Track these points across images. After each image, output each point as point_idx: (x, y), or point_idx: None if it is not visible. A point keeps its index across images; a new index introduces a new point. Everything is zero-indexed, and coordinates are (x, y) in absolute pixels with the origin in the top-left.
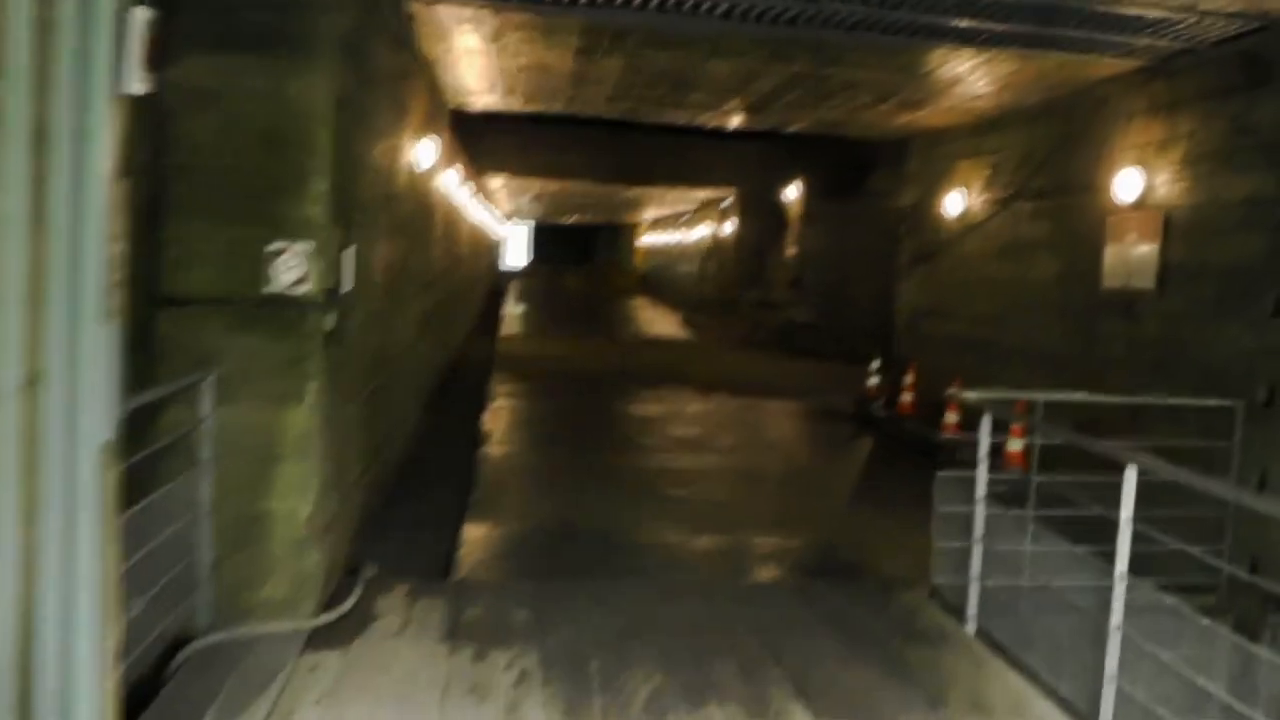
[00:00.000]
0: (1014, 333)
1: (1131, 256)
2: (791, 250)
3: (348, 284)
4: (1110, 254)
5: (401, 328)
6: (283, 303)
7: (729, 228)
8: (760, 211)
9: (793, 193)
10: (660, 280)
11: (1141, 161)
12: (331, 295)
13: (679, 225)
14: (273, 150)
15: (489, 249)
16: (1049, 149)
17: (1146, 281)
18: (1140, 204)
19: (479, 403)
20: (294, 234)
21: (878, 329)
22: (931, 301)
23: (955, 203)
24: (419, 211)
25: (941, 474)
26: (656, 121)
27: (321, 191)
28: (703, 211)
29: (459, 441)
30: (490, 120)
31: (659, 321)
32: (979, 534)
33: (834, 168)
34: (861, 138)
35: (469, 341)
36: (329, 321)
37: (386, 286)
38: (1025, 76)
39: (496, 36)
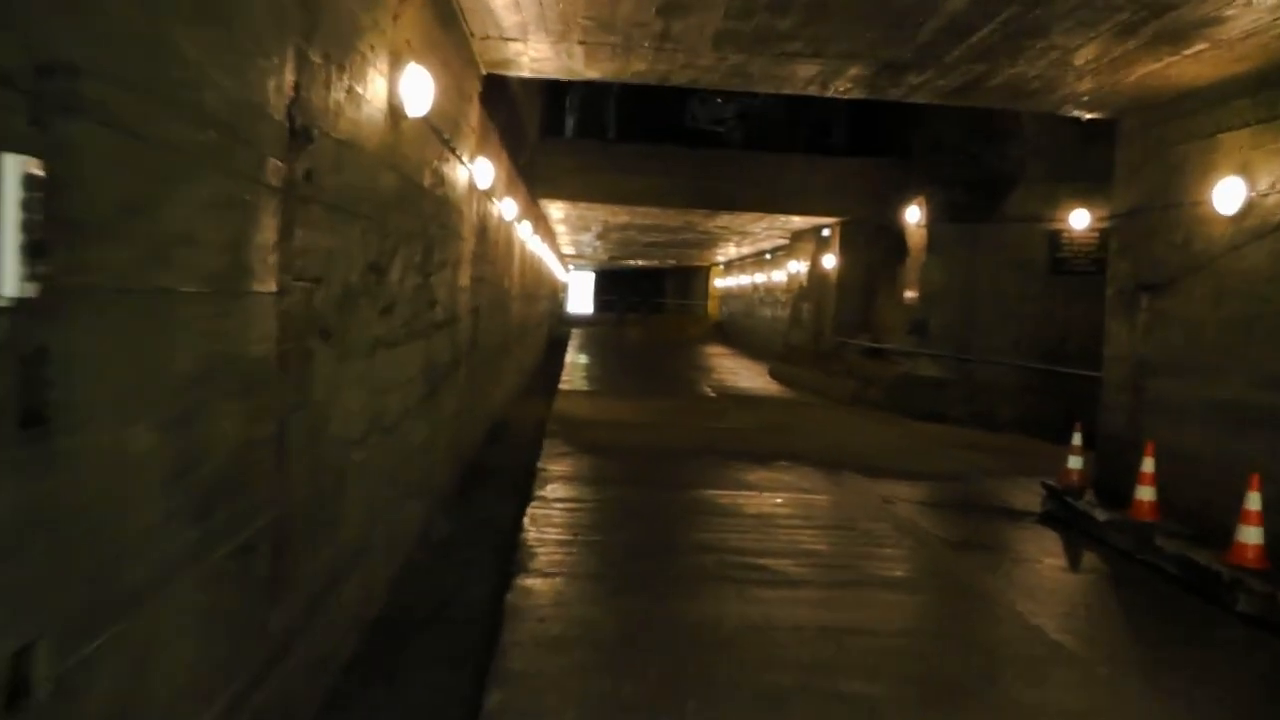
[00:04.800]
0: None
1: None
2: (911, 289)
3: (13, 283)
4: None
5: (374, 392)
6: None
7: (829, 262)
8: (869, 242)
9: (912, 218)
10: (738, 327)
11: None
12: None
13: (761, 265)
14: None
15: (550, 291)
16: None
17: None
18: None
19: (523, 493)
20: None
21: (1021, 386)
22: (1171, 351)
23: (1224, 198)
24: (410, 197)
25: None
26: (772, 89)
27: None
28: (794, 245)
29: (480, 570)
30: (546, 133)
31: (742, 374)
32: None
33: (963, 186)
34: (1049, 113)
35: (520, 401)
36: None
37: (318, 307)
38: None
39: None
